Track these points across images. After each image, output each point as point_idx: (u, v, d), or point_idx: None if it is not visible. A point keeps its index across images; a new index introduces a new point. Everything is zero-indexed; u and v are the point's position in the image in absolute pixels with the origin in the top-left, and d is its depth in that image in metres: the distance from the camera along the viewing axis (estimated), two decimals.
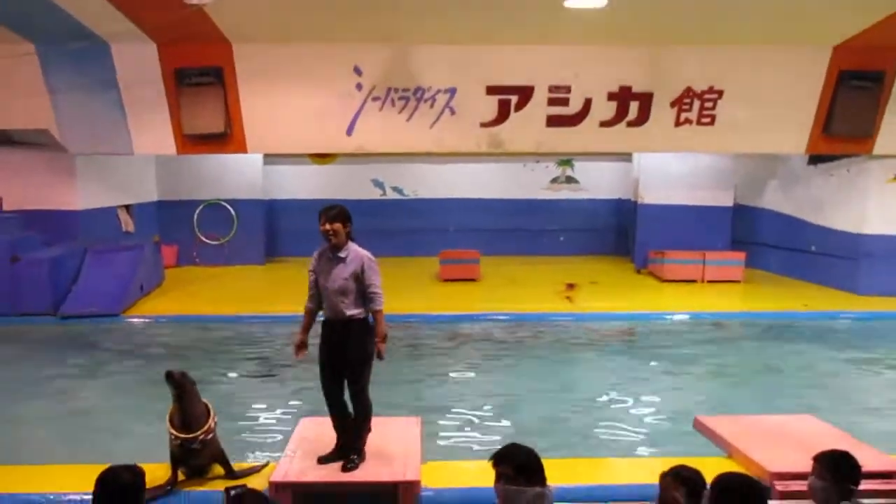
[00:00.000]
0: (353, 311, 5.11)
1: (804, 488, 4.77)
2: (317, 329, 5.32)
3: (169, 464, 5.11)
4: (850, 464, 3.72)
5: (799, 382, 8.74)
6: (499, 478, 3.37)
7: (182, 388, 5.05)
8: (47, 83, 11.34)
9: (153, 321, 11.48)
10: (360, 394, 5.21)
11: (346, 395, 5.29)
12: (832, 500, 3.66)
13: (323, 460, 5.21)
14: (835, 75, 11.68)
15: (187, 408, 5.06)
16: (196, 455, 5.12)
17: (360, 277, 5.08)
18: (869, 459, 5.21)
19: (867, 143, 12.32)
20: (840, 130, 12.00)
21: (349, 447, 5.23)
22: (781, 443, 5.61)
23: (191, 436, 5.01)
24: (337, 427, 5.32)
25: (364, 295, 5.11)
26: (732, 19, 10.39)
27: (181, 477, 5.13)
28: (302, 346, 5.30)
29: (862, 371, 9.32)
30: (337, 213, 5.12)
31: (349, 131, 11.81)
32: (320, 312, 5.33)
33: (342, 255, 5.12)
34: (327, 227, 5.08)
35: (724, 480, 3.29)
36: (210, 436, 5.13)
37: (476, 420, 7.33)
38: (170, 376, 5.03)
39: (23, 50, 10.97)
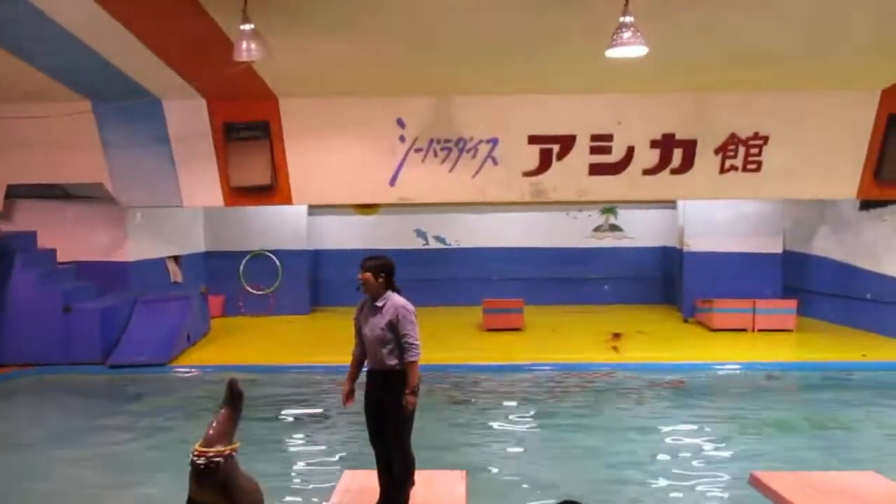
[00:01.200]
0: (392, 362, 5.11)
1: None
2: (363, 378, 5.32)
3: None
4: None
5: (860, 437, 8.38)
6: None
7: (233, 401, 4.74)
8: (102, 138, 11.77)
9: (199, 371, 11.59)
10: (401, 447, 5.16)
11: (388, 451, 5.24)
12: None
13: None
14: (884, 119, 11.46)
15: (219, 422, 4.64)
16: (205, 478, 4.51)
17: (395, 327, 5.07)
18: None
19: None
20: (892, 175, 11.72)
21: (393, 501, 5.14)
22: (842, 501, 5.36)
23: (208, 450, 4.47)
24: (382, 479, 5.26)
25: (399, 344, 5.10)
26: (776, 65, 10.30)
27: None
28: (350, 394, 5.33)
29: None
30: (373, 263, 5.17)
31: (392, 182, 11.95)
32: (366, 362, 5.32)
33: (379, 304, 5.15)
34: (359, 276, 5.16)
35: None
36: (221, 460, 4.54)
37: (520, 475, 7.15)
38: (233, 383, 4.77)
39: (79, 107, 11.42)
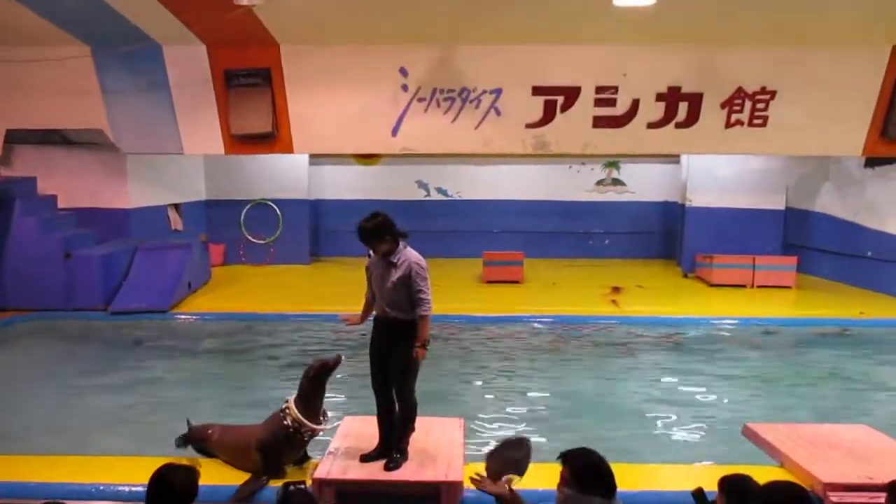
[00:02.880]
0: (402, 314, 5.14)
1: (858, 500, 4.65)
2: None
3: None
4: None
5: (853, 392, 8.47)
6: (560, 479, 3.35)
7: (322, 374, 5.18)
8: (102, 84, 11.64)
9: (200, 318, 11.67)
10: (406, 394, 5.22)
11: (392, 397, 5.31)
12: None
13: (365, 458, 5.23)
14: (894, 76, 11.30)
15: (316, 395, 5.20)
16: (300, 447, 5.28)
17: (408, 283, 5.09)
18: None
19: None
20: None
21: (393, 446, 5.22)
22: (834, 453, 5.45)
23: (315, 426, 5.18)
24: (381, 425, 5.33)
25: (411, 298, 5.12)
26: (785, 18, 10.13)
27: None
28: (358, 321, 5.46)
29: None
30: (372, 229, 5.07)
31: (394, 132, 11.85)
32: (374, 309, 5.41)
33: (394, 259, 5.14)
34: (377, 253, 5.17)
35: (771, 489, 3.17)
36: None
37: (518, 423, 7.26)
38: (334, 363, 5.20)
39: (78, 52, 11.28)
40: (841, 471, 5.09)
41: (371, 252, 5.22)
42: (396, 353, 5.16)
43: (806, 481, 5.06)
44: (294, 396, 5.24)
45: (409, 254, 5.17)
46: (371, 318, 5.43)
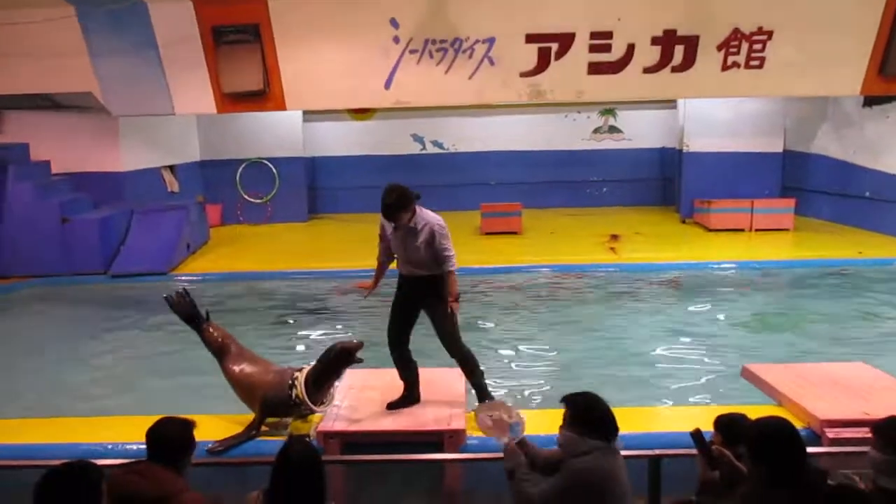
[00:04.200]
0: (427, 272, 5.27)
1: (855, 435, 4.71)
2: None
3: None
4: None
5: (851, 330, 8.54)
6: (562, 421, 3.41)
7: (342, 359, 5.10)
8: (88, 46, 11.45)
9: (200, 279, 11.69)
10: (457, 347, 5.42)
11: (408, 348, 5.49)
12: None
13: (392, 406, 5.37)
14: (893, 12, 11.11)
15: (329, 378, 5.15)
16: (297, 415, 5.31)
17: (431, 244, 5.19)
18: None
19: None
20: None
21: (479, 398, 5.41)
22: (832, 390, 5.51)
23: (313, 411, 5.18)
24: (403, 376, 5.45)
25: (437, 257, 5.22)
26: None
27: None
28: (371, 287, 5.53)
29: None
30: (392, 209, 5.10)
31: (387, 85, 11.70)
32: (399, 267, 5.48)
33: (413, 225, 5.18)
34: (395, 223, 5.16)
35: (759, 425, 3.22)
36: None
37: (520, 371, 7.35)
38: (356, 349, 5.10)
39: (62, 13, 11.04)
40: (838, 407, 5.16)
41: (393, 223, 5.22)
42: (432, 312, 5.34)
43: (804, 419, 5.14)
44: (308, 368, 5.12)
45: (428, 216, 5.24)
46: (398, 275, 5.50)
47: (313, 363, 5.17)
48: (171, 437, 3.39)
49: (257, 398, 5.16)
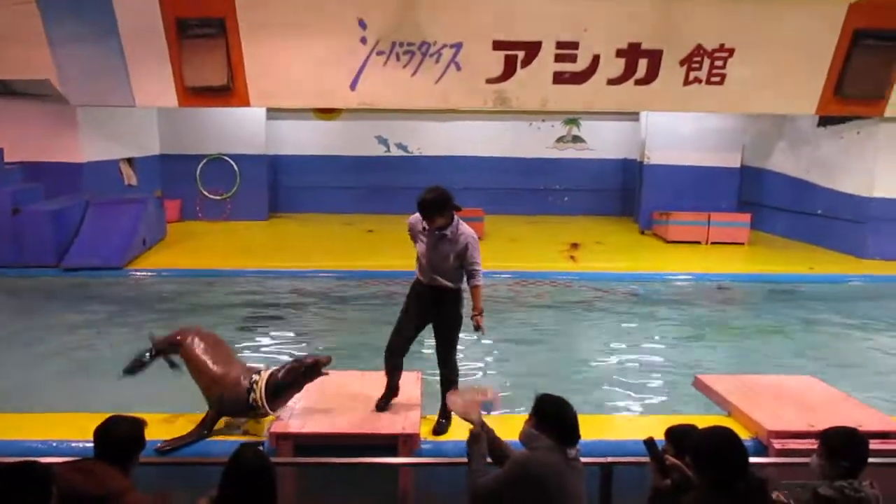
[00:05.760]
0: (449, 283, 5.22)
1: (801, 446, 4.81)
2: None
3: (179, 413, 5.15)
4: (857, 443, 3.44)
5: (802, 345, 8.74)
6: (528, 417, 3.52)
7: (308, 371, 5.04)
8: (47, 32, 11.17)
9: (156, 274, 11.48)
10: (451, 357, 5.37)
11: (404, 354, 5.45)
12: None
13: (380, 408, 5.32)
14: (849, 35, 11.44)
15: (290, 388, 5.06)
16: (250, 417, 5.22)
17: (462, 256, 5.13)
18: (869, 419, 5.24)
19: (879, 104, 12.15)
20: (852, 92, 11.84)
21: (441, 414, 5.35)
22: (781, 403, 5.62)
23: (268, 415, 5.09)
24: (390, 378, 5.40)
25: (462, 269, 5.19)
26: None
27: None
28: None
29: (866, 334, 9.31)
30: (430, 206, 5.00)
31: (353, 86, 11.66)
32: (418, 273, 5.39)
33: (447, 233, 5.11)
34: (431, 225, 5.06)
35: (702, 435, 3.30)
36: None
37: (476, 376, 7.35)
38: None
39: None
40: (785, 419, 5.27)
41: (425, 224, 5.13)
42: (443, 318, 5.27)
43: (752, 429, 5.24)
44: (270, 372, 5.03)
45: (465, 228, 5.19)
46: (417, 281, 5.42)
47: (275, 368, 5.08)
48: (120, 436, 3.33)
49: (214, 394, 5.07)
